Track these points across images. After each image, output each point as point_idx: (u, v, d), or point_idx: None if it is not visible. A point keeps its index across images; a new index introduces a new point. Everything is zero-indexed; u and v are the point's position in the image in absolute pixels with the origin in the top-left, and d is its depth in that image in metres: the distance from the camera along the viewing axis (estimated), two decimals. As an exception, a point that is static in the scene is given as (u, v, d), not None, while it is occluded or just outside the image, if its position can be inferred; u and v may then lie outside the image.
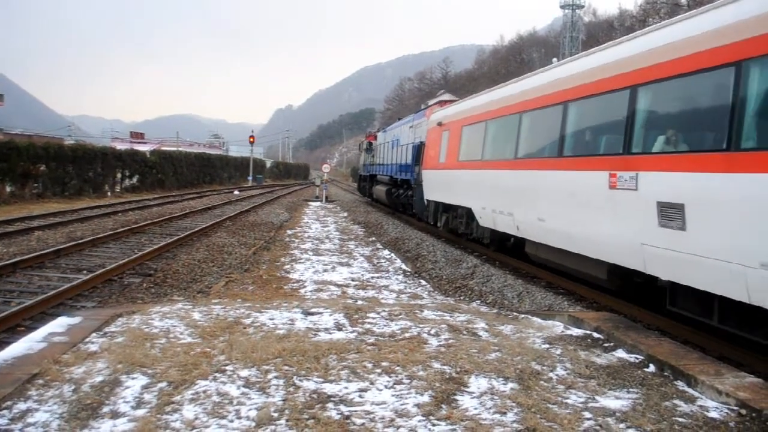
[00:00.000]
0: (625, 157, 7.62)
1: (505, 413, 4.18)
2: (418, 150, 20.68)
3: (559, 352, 5.74)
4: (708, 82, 6.41)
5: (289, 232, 18.62)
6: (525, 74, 12.47)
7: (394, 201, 26.60)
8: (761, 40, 5.60)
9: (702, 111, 6.66)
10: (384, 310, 7.31)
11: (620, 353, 5.76)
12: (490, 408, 4.27)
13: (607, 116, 8.42)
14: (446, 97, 29.61)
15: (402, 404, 4.30)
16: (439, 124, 17.18)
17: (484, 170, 13.04)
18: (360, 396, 4.45)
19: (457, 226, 15.93)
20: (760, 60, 5.60)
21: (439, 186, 17.21)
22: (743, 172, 5.68)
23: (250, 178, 57.74)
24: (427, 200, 18.47)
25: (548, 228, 9.85)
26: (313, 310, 7.20)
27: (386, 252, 14.85)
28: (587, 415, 4.20)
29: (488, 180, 12.85)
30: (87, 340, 5.63)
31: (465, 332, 6.40)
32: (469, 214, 14.51)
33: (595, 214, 8.37)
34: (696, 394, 4.69)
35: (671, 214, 6.66)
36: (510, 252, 13.14)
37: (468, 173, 14.25)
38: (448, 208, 16.67)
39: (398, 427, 3.93)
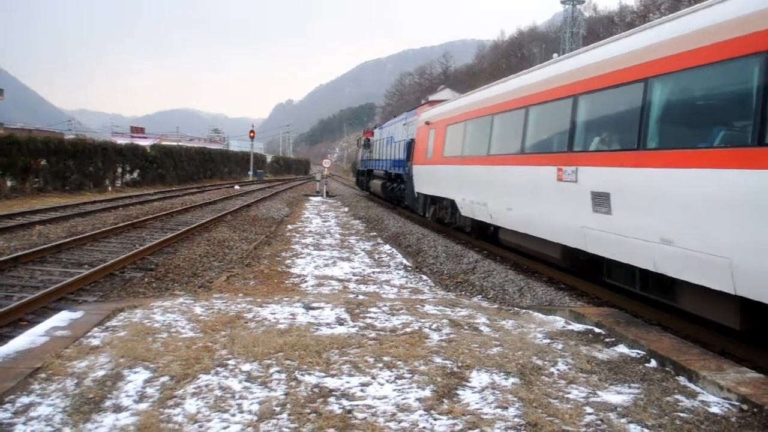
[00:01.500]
0: (569, 154, 9.02)
1: (506, 408, 4.19)
2: (410, 146, 21.87)
3: (560, 347, 5.75)
4: (623, 95, 7.78)
5: (290, 227, 18.62)
6: (497, 80, 14.09)
7: (389, 194, 28.02)
8: (658, 63, 7.09)
9: (621, 117, 7.96)
10: (385, 305, 7.32)
11: (621, 348, 5.77)
12: (491, 403, 4.28)
13: (556, 120, 9.64)
14: (446, 92, 30.07)
15: (403, 399, 4.31)
16: (427, 123, 18.54)
17: (464, 165, 14.43)
18: (361, 390, 4.46)
19: (443, 217, 17.33)
20: (658, 78, 7.05)
21: (426, 180, 18.60)
22: (648, 167, 7.08)
23: (250, 172, 57.73)
24: (417, 193, 19.84)
25: (514, 215, 11.33)
26: (315, 304, 7.20)
27: (387, 247, 14.85)
28: (589, 409, 4.20)
29: (467, 174, 14.25)
30: (89, 334, 5.64)
31: (466, 327, 6.41)
32: (452, 205, 15.92)
33: (548, 202, 9.71)
34: (697, 389, 4.69)
35: (601, 201, 8.06)
36: (488, 239, 14.39)
37: (451, 168, 15.59)
38: (435, 200, 18.09)
39: (400, 422, 3.94)
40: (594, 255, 8.53)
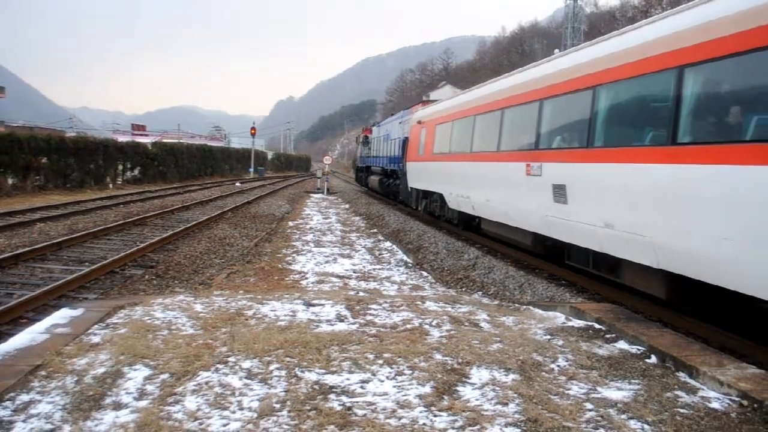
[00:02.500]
0: (535, 151, 10.17)
1: (506, 404, 4.18)
2: (405, 144, 22.97)
3: (560, 343, 5.75)
4: (577, 100, 8.89)
5: (290, 223, 18.63)
6: (479, 84, 15.78)
7: (386, 189, 29.36)
8: (603, 74, 8.25)
9: (575, 120, 9.09)
10: (386, 302, 7.32)
11: (622, 344, 5.77)
12: (491, 399, 4.28)
13: (526, 121, 10.78)
14: (447, 88, 30.40)
15: (403, 395, 4.31)
16: (419, 122, 19.89)
17: (451, 162, 15.67)
18: (362, 387, 4.46)
19: (434, 210, 18.69)
20: (602, 87, 8.24)
21: (418, 175, 20.01)
22: (594, 162, 8.29)
23: (251, 169, 57.71)
24: (410, 188, 21.33)
25: (493, 207, 12.56)
26: (315, 301, 7.21)
27: (388, 243, 14.85)
28: (589, 405, 4.20)
29: (453, 169, 15.49)
30: (89, 331, 5.64)
31: (467, 323, 6.41)
32: (441, 198, 17.21)
33: (519, 194, 10.86)
34: (698, 385, 4.69)
35: (559, 192, 9.22)
36: (474, 230, 15.40)
37: (440, 164, 16.89)
38: (426, 195, 19.52)
39: (400, 418, 3.94)
40: (557, 240, 9.68)
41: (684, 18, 6.86)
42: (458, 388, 4.48)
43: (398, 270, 11.36)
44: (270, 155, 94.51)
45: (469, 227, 15.68)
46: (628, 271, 8.04)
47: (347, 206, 26.58)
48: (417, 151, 19.75)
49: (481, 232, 14.50)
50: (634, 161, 7.33)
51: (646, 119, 7.47)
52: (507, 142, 11.69)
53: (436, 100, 21.81)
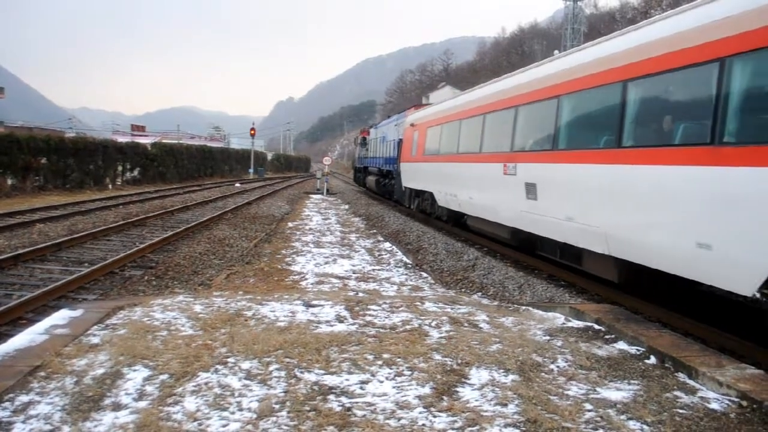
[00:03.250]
0: (511, 153, 11.34)
1: (506, 405, 4.18)
2: (399, 145, 24.03)
3: (560, 343, 5.75)
4: (545, 108, 10.02)
5: (290, 224, 18.62)
6: (466, 90, 17.57)
7: (382, 189, 30.71)
8: (564, 86, 9.41)
9: (544, 124, 10.14)
10: (385, 303, 7.31)
11: (621, 345, 5.77)
12: (491, 400, 4.28)
13: (503, 125, 11.87)
14: (447, 89, 30.74)
15: (403, 396, 4.31)
16: (412, 125, 21.12)
17: (440, 162, 16.93)
18: (361, 388, 4.46)
19: (425, 208, 20.02)
20: (565, 96, 9.39)
21: (411, 175, 21.31)
22: (558, 162, 9.45)
23: (251, 170, 57.71)
24: (404, 187, 22.74)
25: (476, 204, 13.88)
26: (315, 302, 7.20)
27: (387, 244, 14.85)
28: (588, 406, 4.20)
29: (442, 170, 16.75)
30: (89, 332, 5.63)
31: (466, 324, 6.41)
32: (432, 197, 18.44)
33: (497, 192, 12.03)
34: (697, 385, 4.69)
35: (531, 189, 10.32)
36: (461, 226, 16.43)
37: (430, 165, 18.11)
38: (418, 194, 20.84)
39: (399, 419, 3.94)
40: (530, 233, 10.78)
41: (628, 38, 8.00)
42: (458, 389, 4.48)
43: (398, 271, 11.36)
44: (270, 156, 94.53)
45: (458, 224, 16.69)
46: (588, 259, 9.19)
47: (347, 207, 26.57)
48: (410, 153, 20.97)
49: (468, 228, 15.66)
50: (589, 162, 8.53)
51: (598, 125, 8.67)
52: (488, 144, 12.90)
53: (428, 104, 23.18)
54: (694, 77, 6.54)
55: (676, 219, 6.67)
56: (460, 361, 5.07)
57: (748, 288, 5.71)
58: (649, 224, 7.18)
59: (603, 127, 8.35)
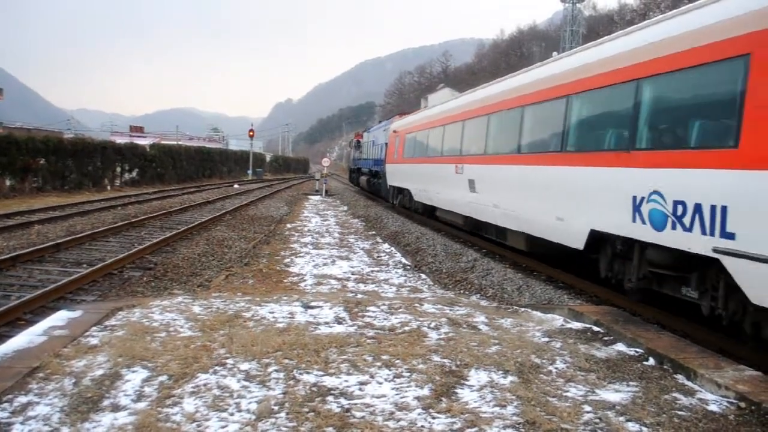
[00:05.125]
0: (460, 156, 14.58)
1: (504, 406, 4.19)
2: (386, 149, 26.83)
3: (558, 345, 5.75)
4: (480, 122, 13.27)
5: (288, 225, 18.62)
6: (433, 106, 21.29)
7: (372, 188, 33.91)
8: (490, 107, 12.73)
9: (479, 135, 13.32)
10: (384, 304, 7.31)
11: (620, 347, 5.77)
12: (490, 401, 4.28)
13: (456, 134, 15.08)
14: (446, 91, 31.46)
15: (402, 397, 4.31)
16: (394, 131, 24.51)
17: (415, 164, 20.25)
18: (360, 389, 4.46)
19: (405, 203, 23.27)
20: (492, 114, 12.55)
21: (394, 175, 24.63)
22: (488, 164, 12.59)
23: (249, 171, 57.69)
24: (389, 185, 26.00)
25: (441, 197, 17.01)
26: (313, 303, 7.20)
27: (386, 246, 14.85)
28: (587, 408, 4.21)
29: (417, 170, 20.06)
30: (87, 333, 5.63)
31: (465, 326, 6.41)
32: (410, 194, 21.71)
33: (454, 188, 15.04)
34: (695, 387, 4.70)
35: (472, 184, 13.52)
36: (433, 217, 19.32)
37: (408, 166, 21.44)
38: (400, 191, 24.14)
39: (398, 420, 3.94)
40: (475, 219, 13.76)
41: (565, 62, 9.79)
42: (456, 391, 4.48)
43: (396, 272, 11.36)
44: (268, 157, 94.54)
45: (431, 215, 19.72)
46: (510, 236, 12.01)
47: (345, 208, 26.57)
48: (393, 155, 24.26)
49: (438, 219, 18.67)
50: (504, 163, 11.64)
51: (510, 137, 11.43)
52: (446, 149, 16.16)
53: (410, 113, 26.43)
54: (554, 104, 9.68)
55: (547, 202, 9.65)
56: (459, 363, 5.08)
57: (580, 245, 8.69)
58: (535, 208, 10.19)
59: (512, 139, 11.30)
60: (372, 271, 11.28)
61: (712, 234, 5.92)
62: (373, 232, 17.76)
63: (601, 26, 72.34)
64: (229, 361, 4.96)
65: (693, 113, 6.61)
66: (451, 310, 7.19)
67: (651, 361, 5.33)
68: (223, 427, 3.80)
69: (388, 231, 18.46)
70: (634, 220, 7.27)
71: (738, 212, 5.62)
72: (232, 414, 3.98)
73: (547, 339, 5.98)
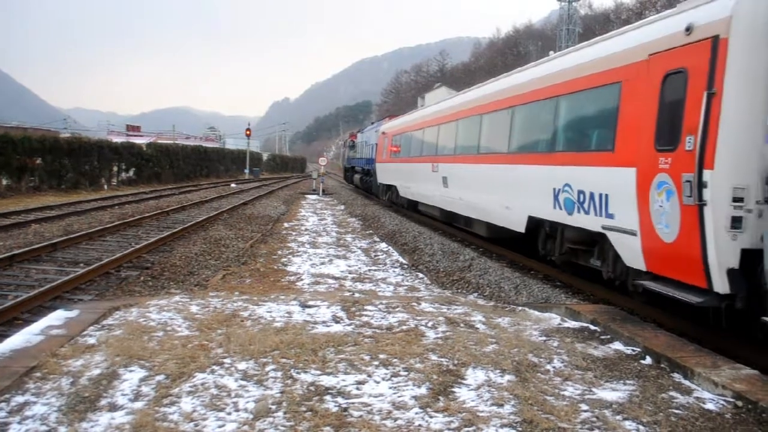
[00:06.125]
0: (436, 156, 16.79)
1: (502, 405, 4.20)
2: (376, 148, 28.92)
3: (556, 344, 5.76)
4: (450, 127, 15.52)
5: (286, 224, 18.60)
6: (414, 110, 24.64)
7: (365, 185, 36.09)
8: (458, 114, 14.94)
9: (449, 138, 15.56)
10: (381, 303, 7.32)
11: (617, 345, 5.79)
12: (487, 400, 4.29)
13: (432, 137, 17.53)
14: (443, 90, 31.76)
15: (399, 396, 4.32)
16: (383, 133, 26.76)
17: (400, 163, 22.63)
18: (357, 388, 4.47)
19: (393, 198, 25.42)
20: (460, 120, 14.74)
21: (382, 173, 27.10)
22: (456, 163, 14.84)
23: (246, 171, 57.60)
24: (379, 183, 28.34)
25: (422, 193, 19.12)
26: (311, 302, 7.21)
27: (383, 245, 14.85)
28: (584, 407, 4.22)
29: (402, 168, 22.55)
30: (85, 333, 5.62)
31: (462, 325, 6.42)
32: (396, 190, 24.15)
33: (431, 184, 17.11)
34: (692, 386, 4.71)
35: (445, 181, 15.58)
36: (417, 211, 21.40)
37: (395, 165, 23.81)
38: (388, 188, 26.36)
39: (395, 419, 3.95)
40: (448, 211, 15.88)
41: (510, 79, 11.99)
42: (454, 389, 4.49)
43: (394, 271, 11.36)
44: (265, 156, 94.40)
45: (414, 210, 21.74)
46: (475, 224, 13.90)
47: (342, 207, 26.57)
48: (382, 155, 26.56)
49: (420, 212, 20.84)
50: (468, 162, 13.88)
51: (471, 141, 13.66)
52: (425, 150, 18.40)
53: (399, 116, 28.63)
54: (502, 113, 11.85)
55: (498, 194, 11.66)
56: (456, 362, 5.09)
57: (522, 228, 10.57)
58: (490, 200, 12.16)
59: (473, 142, 13.55)
60: (369, 270, 11.28)
61: (601, 215, 7.86)
62: (371, 231, 17.76)
63: (597, 25, 72.43)
64: (227, 360, 4.96)
65: (590, 124, 8.71)
66: (448, 309, 7.20)
67: (648, 360, 5.34)
68: (220, 426, 3.80)
69: (385, 230, 18.46)
70: (554, 207, 9.20)
71: (614, 198, 7.56)
72: (229, 413, 3.98)
73: (544, 338, 5.99)
